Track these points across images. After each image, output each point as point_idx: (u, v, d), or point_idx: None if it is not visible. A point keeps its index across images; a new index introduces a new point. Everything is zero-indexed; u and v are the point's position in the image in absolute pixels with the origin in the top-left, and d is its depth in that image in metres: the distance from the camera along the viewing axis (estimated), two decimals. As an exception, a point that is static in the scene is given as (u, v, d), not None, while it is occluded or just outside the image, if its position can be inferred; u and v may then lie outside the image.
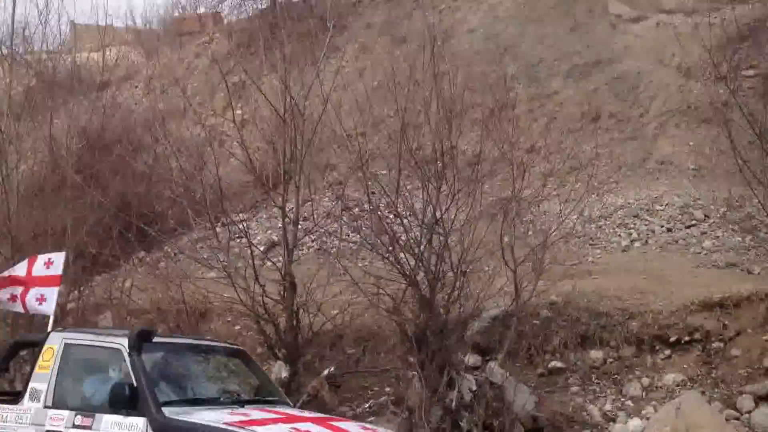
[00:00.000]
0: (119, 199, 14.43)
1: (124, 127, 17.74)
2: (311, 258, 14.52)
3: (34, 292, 9.38)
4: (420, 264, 11.05)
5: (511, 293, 11.28)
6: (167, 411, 7.20)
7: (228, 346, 9.26)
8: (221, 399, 7.95)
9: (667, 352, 11.56)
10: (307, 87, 12.18)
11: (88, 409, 7.62)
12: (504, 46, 19.24)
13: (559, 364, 11.78)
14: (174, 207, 14.95)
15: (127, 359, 7.50)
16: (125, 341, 7.59)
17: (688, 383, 11.20)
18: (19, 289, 9.47)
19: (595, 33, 19.27)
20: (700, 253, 13.68)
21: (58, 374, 7.96)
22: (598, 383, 11.56)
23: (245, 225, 14.00)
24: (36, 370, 8.12)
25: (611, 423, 10.95)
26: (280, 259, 11.86)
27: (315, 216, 13.68)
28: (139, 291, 13.27)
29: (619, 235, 14.60)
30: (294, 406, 8.65)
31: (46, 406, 7.85)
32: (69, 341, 8.10)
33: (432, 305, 10.97)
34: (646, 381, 11.37)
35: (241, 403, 7.85)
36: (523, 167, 11.89)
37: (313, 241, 15.46)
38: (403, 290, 11.11)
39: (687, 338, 11.51)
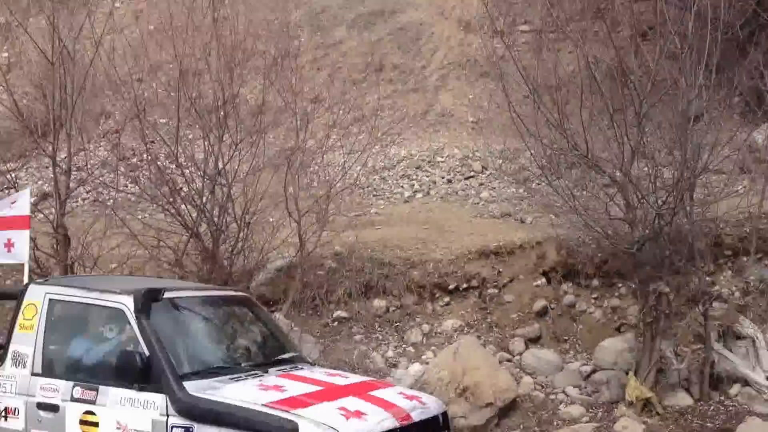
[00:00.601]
0: None
1: None
2: (87, 210, 13.84)
3: (1, 237, 8.05)
4: (202, 215, 10.81)
5: (296, 244, 11.27)
6: (189, 386, 6.25)
7: (234, 293, 8.25)
8: (242, 365, 7.01)
9: (447, 299, 11.96)
10: (78, 29, 11.46)
11: (88, 379, 6.63)
12: (288, -8, 18.95)
13: (343, 314, 11.90)
14: (-64, 155, 13.77)
15: (134, 323, 6.50)
16: (130, 301, 6.58)
17: (466, 328, 11.65)
18: None
19: (378, -18, 19.31)
20: (478, 203, 14.19)
21: (45, 336, 6.90)
22: (381, 331, 11.79)
23: (14, 175, 13.15)
24: (17, 329, 7.01)
25: (393, 369, 11.21)
26: (53, 211, 11.22)
27: (89, 166, 13.03)
28: None
29: (402, 186, 14.89)
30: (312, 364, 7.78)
31: (34, 374, 6.82)
32: (54, 297, 7.01)
33: (215, 257, 10.77)
34: (426, 327, 11.72)
35: (264, 368, 6.96)
36: (307, 117, 11.82)
37: (88, 193, 14.74)
38: (185, 242, 10.82)
39: (465, 285, 11.95)
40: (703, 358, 10.44)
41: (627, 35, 12.23)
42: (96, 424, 6.47)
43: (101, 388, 6.50)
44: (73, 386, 6.61)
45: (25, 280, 7.66)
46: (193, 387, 6.26)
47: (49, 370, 6.83)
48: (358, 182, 13.11)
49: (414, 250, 12.20)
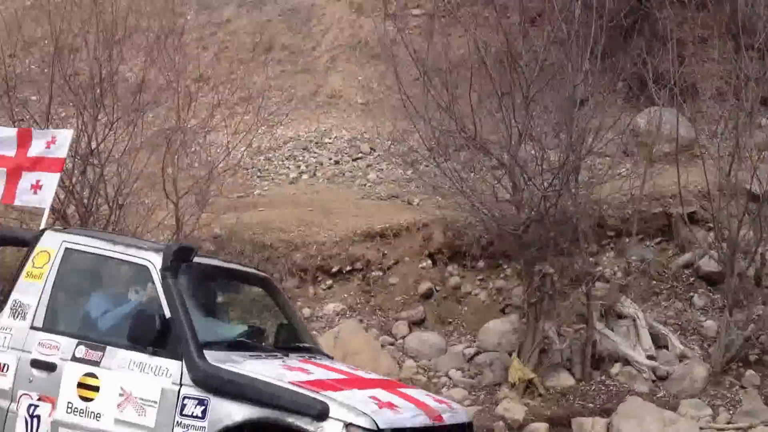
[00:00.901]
0: None
1: None
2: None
3: (29, 178, 7.17)
4: (71, 197, 10.35)
5: (173, 226, 10.91)
6: (208, 356, 5.62)
7: (257, 272, 7.57)
8: (263, 345, 6.43)
9: (329, 282, 11.81)
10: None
11: (95, 338, 5.92)
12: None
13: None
14: None
15: (159, 282, 5.84)
16: (157, 258, 5.92)
17: (348, 312, 11.51)
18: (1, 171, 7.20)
19: (269, -38, 18.93)
20: (365, 185, 14.08)
21: (53, 287, 6.15)
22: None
23: None
24: (23, 277, 6.23)
25: (274, 354, 10.98)
26: None
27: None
28: None
29: (288, 168, 14.65)
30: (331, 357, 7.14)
31: (33, 327, 6.05)
32: (72, 246, 6.25)
33: (84, 240, 10.33)
34: (308, 311, 11.51)
35: (284, 352, 6.33)
36: (190, 97, 11.51)
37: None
38: (50, 225, 10.27)
39: (349, 268, 11.82)
40: (585, 338, 10.52)
41: (516, 21, 12.31)
42: (96, 389, 5.78)
43: (109, 349, 5.82)
44: (77, 344, 5.91)
45: (42, 226, 6.89)
46: (212, 357, 5.63)
47: (51, 324, 6.12)
48: (242, 163, 12.84)
49: (297, 232, 12.00)
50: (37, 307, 6.10)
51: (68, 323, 6.23)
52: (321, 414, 5.21)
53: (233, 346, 6.02)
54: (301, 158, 14.76)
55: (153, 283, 5.94)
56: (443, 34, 13.12)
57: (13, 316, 6.14)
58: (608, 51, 11.24)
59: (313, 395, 5.33)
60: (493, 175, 11.16)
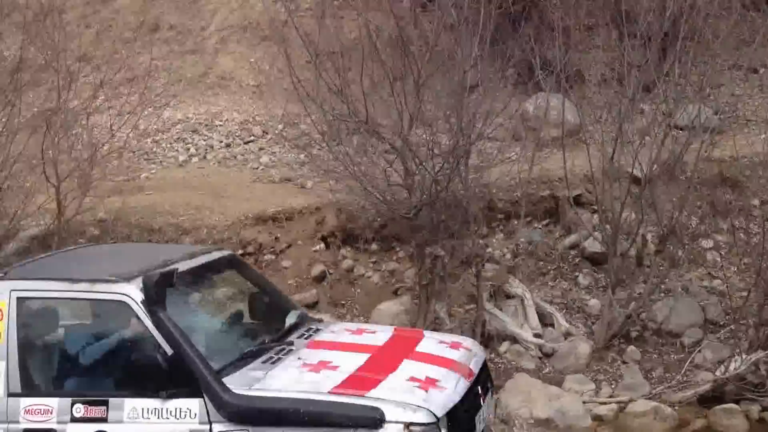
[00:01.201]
0: None
1: None
2: None
3: None
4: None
5: (54, 210, 10.52)
6: (228, 383, 5.24)
7: (220, 254, 7.04)
8: (263, 339, 6.00)
9: (221, 267, 11.60)
10: None
11: (91, 393, 5.42)
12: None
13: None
14: None
15: (146, 317, 5.33)
16: (134, 291, 5.39)
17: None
18: None
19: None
20: (257, 168, 13.86)
21: (19, 346, 5.53)
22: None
23: None
24: None
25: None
26: None
27: None
28: None
29: (177, 150, 14.32)
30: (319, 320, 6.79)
31: (11, 395, 5.46)
32: (24, 294, 5.61)
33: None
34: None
35: (284, 337, 5.99)
36: (70, 77, 11.13)
37: None
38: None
39: (240, 252, 11.55)
40: (475, 318, 10.67)
41: (407, 6, 12.31)
42: None
43: (112, 402, 5.37)
44: (72, 403, 5.42)
45: None
46: (233, 383, 5.29)
47: (31, 387, 5.57)
48: (127, 145, 12.49)
49: (187, 216, 11.72)
50: (7, 372, 5.54)
51: (53, 381, 5.79)
52: (378, 421, 5.05)
53: (242, 358, 5.72)
54: (190, 141, 14.45)
55: (137, 318, 5.47)
56: (335, 17, 13.03)
57: None
58: (497, 37, 11.39)
59: (361, 402, 5.13)
60: (385, 159, 11.14)
